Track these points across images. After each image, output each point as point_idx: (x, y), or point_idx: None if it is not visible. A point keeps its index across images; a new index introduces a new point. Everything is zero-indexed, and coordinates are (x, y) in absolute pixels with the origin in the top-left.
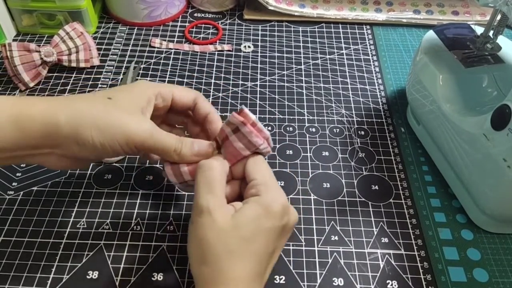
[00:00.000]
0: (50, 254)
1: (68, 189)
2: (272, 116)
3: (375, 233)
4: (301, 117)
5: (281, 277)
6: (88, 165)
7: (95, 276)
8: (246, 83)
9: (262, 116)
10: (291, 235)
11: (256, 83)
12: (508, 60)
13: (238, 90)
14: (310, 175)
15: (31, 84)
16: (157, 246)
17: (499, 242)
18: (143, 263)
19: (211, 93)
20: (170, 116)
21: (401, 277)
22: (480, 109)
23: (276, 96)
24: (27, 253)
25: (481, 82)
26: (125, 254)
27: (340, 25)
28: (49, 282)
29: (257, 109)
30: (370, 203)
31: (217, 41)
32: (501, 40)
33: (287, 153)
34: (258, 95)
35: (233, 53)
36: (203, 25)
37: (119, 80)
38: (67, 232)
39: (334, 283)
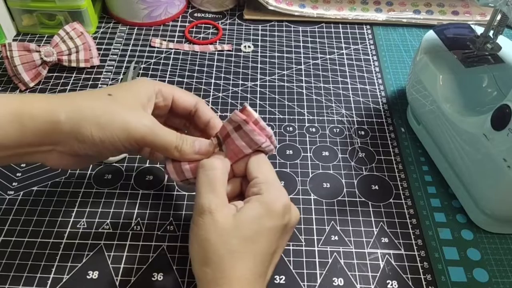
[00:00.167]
0: (50, 254)
1: (68, 189)
2: (272, 116)
3: (375, 233)
4: (301, 117)
5: (281, 277)
6: (89, 164)
7: (95, 276)
8: (246, 83)
9: (262, 116)
10: (291, 235)
11: (256, 83)
12: (508, 60)
13: (238, 90)
14: (310, 175)
15: (31, 84)
16: (157, 246)
17: (499, 242)
18: (143, 263)
19: (211, 93)
20: (172, 119)
21: (401, 277)
22: (480, 109)
23: (276, 96)
24: (27, 253)
25: (481, 82)
26: (125, 254)
27: (340, 25)
28: (49, 282)
29: (257, 109)
30: (370, 203)
31: (217, 41)
32: (501, 40)
33: (287, 153)
34: (258, 95)
35: (233, 53)
36: (203, 25)
37: (119, 80)
38: (67, 232)
39: (334, 283)
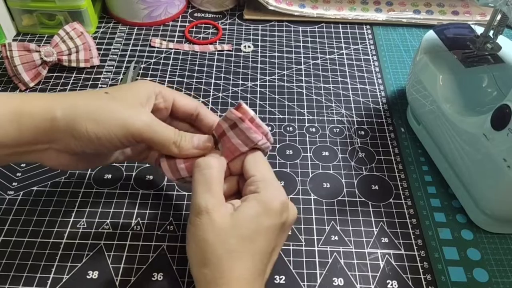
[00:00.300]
0: (50, 254)
1: (68, 189)
2: (272, 116)
3: (375, 233)
4: (301, 117)
5: (281, 277)
6: (89, 166)
7: (95, 276)
8: (246, 83)
9: (262, 116)
10: (291, 235)
11: (256, 83)
12: (508, 60)
13: (238, 90)
14: (310, 175)
15: (31, 84)
16: (157, 246)
17: (499, 242)
18: (143, 263)
19: (211, 93)
20: (174, 123)
21: (401, 277)
22: (480, 109)
23: (276, 96)
24: (27, 253)
25: (481, 82)
26: (125, 254)
27: (340, 25)
28: (49, 282)
29: (257, 109)
30: (370, 203)
31: (217, 41)
32: (501, 40)
33: (287, 153)
34: (258, 95)
35: (233, 53)
36: (203, 25)
37: (119, 80)
38: (67, 232)
39: (334, 283)
